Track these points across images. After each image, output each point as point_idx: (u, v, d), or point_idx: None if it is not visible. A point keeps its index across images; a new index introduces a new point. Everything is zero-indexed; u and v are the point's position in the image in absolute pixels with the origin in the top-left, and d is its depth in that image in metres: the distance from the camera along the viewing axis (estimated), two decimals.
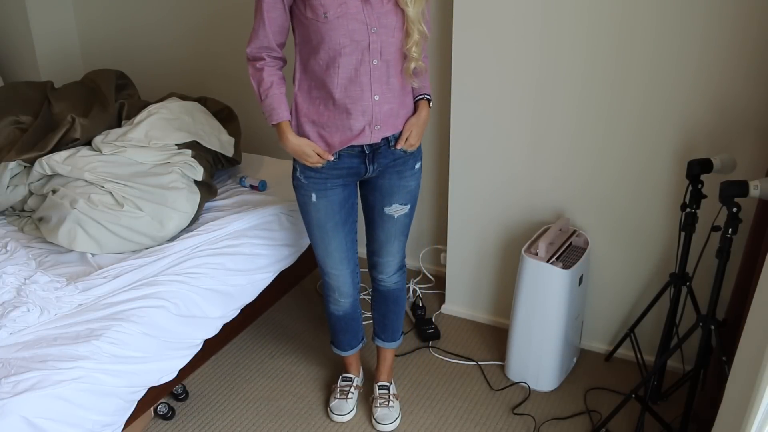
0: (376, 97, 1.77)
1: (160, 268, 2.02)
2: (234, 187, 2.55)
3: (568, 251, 2.28)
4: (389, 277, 2.13)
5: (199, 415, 2.24)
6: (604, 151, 2.25)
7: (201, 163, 2.32)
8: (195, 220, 2.22)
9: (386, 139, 1.85)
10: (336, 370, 2.43)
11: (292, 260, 2.38)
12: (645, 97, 2.12)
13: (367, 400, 2.30)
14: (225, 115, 2.70)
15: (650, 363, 2.39)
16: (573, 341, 2.37)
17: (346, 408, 2.22)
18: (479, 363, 2.49)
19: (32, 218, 2.25)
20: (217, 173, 2.61)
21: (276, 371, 2.46)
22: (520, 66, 2.27)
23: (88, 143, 2.36)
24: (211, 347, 2.16)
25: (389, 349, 2.28)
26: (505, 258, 2.58)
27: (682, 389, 2.22)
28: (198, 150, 2.38)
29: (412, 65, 1.78)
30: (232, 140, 2.56)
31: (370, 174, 1.91)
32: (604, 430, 2.10)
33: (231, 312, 2.14)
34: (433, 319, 2.71)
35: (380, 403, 2.22)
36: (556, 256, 2.22)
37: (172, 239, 2.15)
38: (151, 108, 2.45)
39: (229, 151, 2.53)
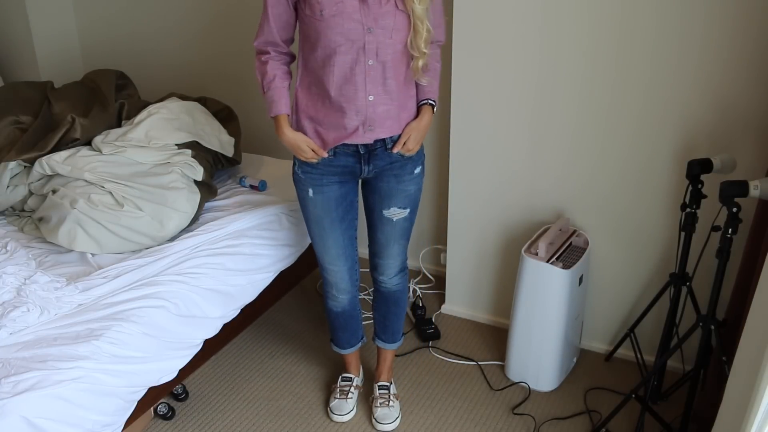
0: (371, 98, 1.77)
1: (160, 268, 2.02)
2: (234, 187, 2.55)
3: (568, 251, 2.28)
4: (390, 279, 2.13)
5: (199, 415, 2.24)
6: (604, 151, 2.25)
7: (201, 163, 2.32)
8: (195, 220, 2.22)
9: (383, 141, 1.85)
10: (336, 370, 2.43)
11: (292, 260, 2.38)
12: (645, 97, 2.12)
13: (367, 400, 2.30)
14: (225, 115, 2.70)
15: (650, 363, 2.39)
16: (573, 341, 2.37)
17: (345, 408, 2.22)
18: (479, 363, 2.49)
19: (32, 218, 2.25)
20: (217, 173, 2.61)
21: (276, 371, 2.46)
22: (520, 66, 2.27)
23: (88, 143, 2.36)
24: (211, 347, 2.16)
25: (389, 350, 2.28)
26: (505, 258, 2.58)
27: (682, 389, 2.22)
28: (198, 150, 2.38)
29: (421, 62, 1.78)
30: (232, 140, 2.56)
31: (366, 174, 1.91)
32: (604, 430, 2.10)
33: (231, 312, 2.14)
34: (433, 319, 2.71)
35: (380, 403, 2.22)
36: (556, 256, 2.22)
37: (172, 239, 2.15)
38: (151, 108, 2.45)
39: (229, 151, 2.53)
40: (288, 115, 1.84)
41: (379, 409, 2.21)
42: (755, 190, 1.68)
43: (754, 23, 1.90)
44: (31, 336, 1.73)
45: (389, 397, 2.23)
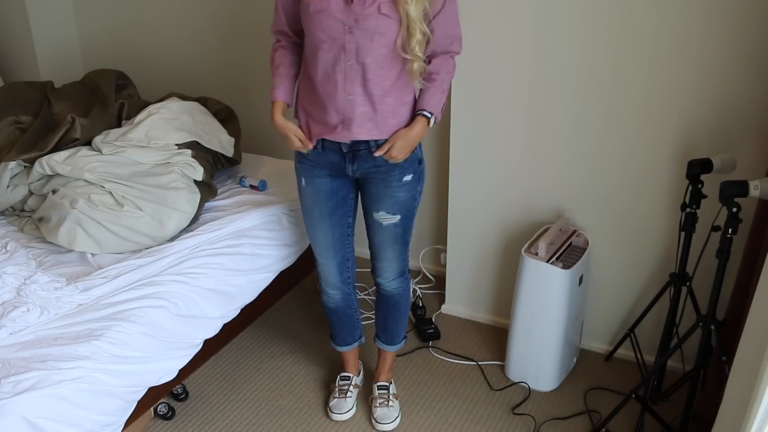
0: (350, 97, 1.78)
1: (160, 268, 2.02)
2: (234, 187, 2.55)
3: (568, 251, 2.28)
4: (388, 282, 2.12)
5: (199, 415, 2.24)
6: (604, 151, 2.25)
7: (201, 163, 2.32)
8: (195, 220, 2.22)
9: (367, 143, 1.85)
10: (336, 369, 2.43)
11: (292, 260, 2.38)
12: (645, 97, 2.12)
13: (366, 401, 2.30)
14: (225, 115, 2.70)
15: (650, 363, 2.39)
16: (573, 341, 2.37)
17: (344, 407, 2.22)
18: (479, 363, 2.49)
19: (32, 218, 2.25)
20: (217, 173, 2.61)
21: (276, 371, 2.46)
22: (520, 66, 2.27)
23: (88, 143, 2.36)
24: (211, 347, 2.16)
25: (388, 351, 2.28)
26: (505, 258, 2.58)
27: (682, 389, 2.22)
28: (198, 150, 2.38)
29: (416, 65, 1.76)
30: (232, 140, 2.56)
31: (352, 173, 1.91)
32: (604, 430, 2.10)
33: (231, 312, 2.14)
34: (433, 319, 2.71)
35: (380, 403, 2.22)
36: (556, 256, 2.22)
37: (172, 239, 2.15)
38: (151, 108, 2.45)
39: (229, 151, 2.53)
40: (284, 103, 1.91)
41: (378, 409, 2.21)
42: (755, 190, 1.68)
43: (754, 23, 1.90)
44: (31, 336, 1.73)
45: (389, 397, 2.23)
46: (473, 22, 2.27)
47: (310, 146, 1.87)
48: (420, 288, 2.95)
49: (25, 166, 2.28)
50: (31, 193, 2.29)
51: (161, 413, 2.20)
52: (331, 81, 1.77)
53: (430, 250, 3.04)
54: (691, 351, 2.15)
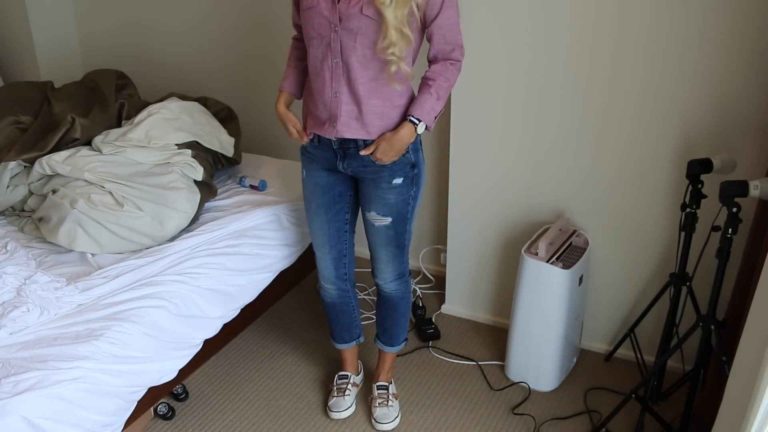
0: (336, 95, 1.81)
1: (160, 268, 2.02)
2: (234, 187, 2.55)
3: (568, 251, 2.28)
4: (386, 284, 2.12)
5: (199, 415, 2.24)
6: (604, 151, 2.25)
7: (201, 163, 2.32)
8: (195, 220, 2.22)
9: (355, 142, 1.86)
10: (335, 369, 2.43)
11: (292, 260, 2.38)
12: (645, 97, 2.12)
13: (366, 401, 2.30)
14: (225, 115, 2.70)
15: (650, 363, 2.39)
16: (573, 341, 2.37)
17: (343, 405, 2.22)
18: (479, 363, 2.49)
19: (32, 218, 2.25)
20: (217, 173, 2.61)
21: (276, 371, 2.46)
22: (520, 66, 2.27)
23: (88, 143, 2.36)
24: (211, 347, 2.15)
25: (387, 352, 2.28)
26: (505, 258, 2.58)
27: (682, 389, 2.22)
28: (198, 150, 2.38)
29: (393, 68, 1.74)
30: (232, 140, 2.56)
31: (343, 170, 1.94)
32: (604, 430, 2.10)
33: (231, 312, 2.14)
34: (433, 319, 2.71)
35: (379, 403, 2.22)
36: (556, 256, 2.22)
37: (172, 239, 2.15)
38: (151, 108, 2.45)
39: (229, 151, 2.53)
40: (290, 94, 1.98)
41: (378, 408, 2.21)
42: (755, 190, 1.68)
43: (754, 23, 1.90)
44: (31, 336, 1.73)
45: (388, 396, 2.23)
46: (472, 23, 2.27)
47: (306, 139, 1.93)
48: (420, 288, 2.95)
49: (25, 166, 2.28)
50: (31, 193, 2.29)
51: (161, 413, 2.20)
52: (320, 77, 1.82)
53: (430, 250, 3.04)
54: (691, 351, 2.15)
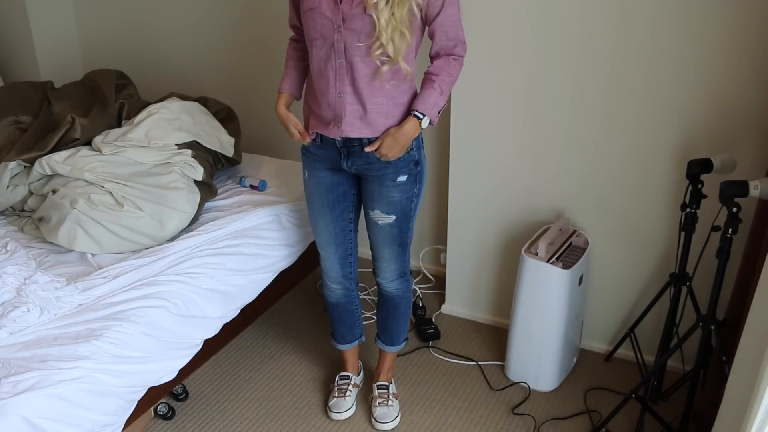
0: (341, 95, 1.81)
1: (160, 268, 2.02)
2: (234, 187, 2.55)
3: (568, 251, 2.28)
4: (387, 283, 2.13)
5: (199, 415, 2.24)
6: (604, 151, 2.25)
7: (201, 163, 2.32)
8: (195, 220, 2.22)
9: (359, 140, 1.86)
10: (336, 369, 2.43)
11: (292, 260, 2.38)
12: (645, 97, 2.12)
13: (366, 401, 2.30)
14: (225, 115, 2.70)
15: (650, 363, 2.39)
16: (573, 341, 2.37)
17: (344, 406, 2.22)
18: (479, 363, 2.49)
19: (32, 218, 2.25)
20: (217, 173, 2.61)
21: (276, 371, 2.46)
22: (520, 66, 2.27)
23: (88, 143, 2.36)
24: (211, 347, 2.15)
25: (388, 352, 2.28)
26: (505, 258, 2.58)
27: (682, 389, 2.22)
28: (198, 150, 2.38)
29: (385, 68, 1.75)
30: (232, 140, 2.56)
31: (347, 169, 1.94)
32: (604, 430, 2.10)
33: (231, 312, 2.14)
34: (433, 319, 2.71)
35: (379, 402, 2.22)
36: (556, 256, 2.22)
37: (172, 239, 2.15)
38: (151, 108, 2.45)
39: (229, 151, 2.53)
40: (290, 95, 1.98)
41: (378, 408, 2.21)
42: (755, 190, 1.68)
43: (754, 23, 1.90)
44: (31, 336, 1.73)
45: (388, 396, 2.24)
46: (472, 23, 2.27)
47: (308, 139, 1.92)
48: (420, 288, 2.95)
49: (25, 166, 2.28)
50: (31, 193, 2.29)
51: (161, 413, 2.20)
52: (323, 78, 1.82)
53: (430, 250, 3.04)
54: (691, 351, 2.15)
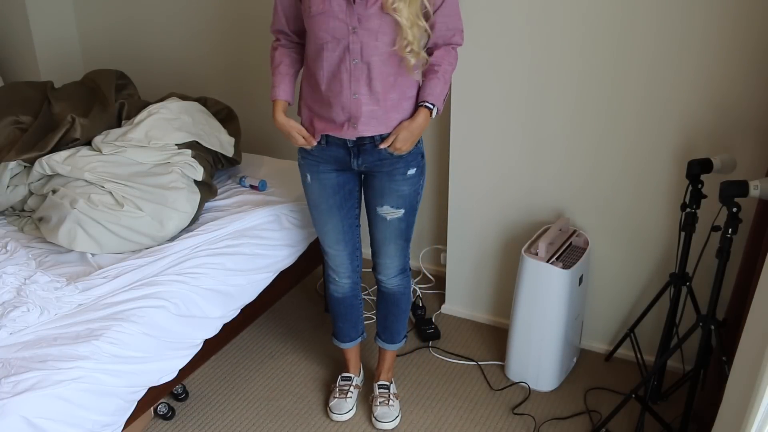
0: (355, 96, 1.80)
1: (160, 268, 2.02)
2: (234, 187, 2.55)
3: (568, 251, 2.28)
4: (389, 279, 2.13)
5: (199, 415, 2.24)
6: (604, 151, 2.25)
7: (201, 163, 2.32)
8: (195, 220, 2.22)
9: (371, 138, 1.87)
10: (336, 369, 2.43)
11: (292, 260, 2.38)
12: (645, 97, 2.12)
13: (366, 400, 2.30)
14: (225, 115, 2.70)
15: (650, 363, 2.39)
16: (573, 341, 2.37)
17: (345, 407, 2.22)
18: (479, 363, 2.49)
19: (32, 218, 2.25)
20: (217, 173, 2.61)
21: (276, 371, 2.46)
22: (520, 65, 2.27)
23: (88, 143, 2.36)
24: (211, 347, 2.15)
25: (389, 350, 2.28)
26: (505, 258, 2.58)
27: (682, 389, 2.22)
28: (198, 150, 2.38)
29: (412, 61, 1.78)
30: (232, 140, 2.56)
31: (357, 167, 1.93)
32: (604, 430, 2.10)
33: (231, 312, 2.14)
34: (433, 319, 2.71)
35: (380, 402, 2.22)
36: (556, 256, 2.22)
37: (172, 239, 2.15)
38: (151, 108, 2.45)
39: (229, 151, 2.53)
40: (286, 102, 1.92)
41: (378, 408, 2.21)
42: (755, 190, 1.68)
43: (755, 23, 1.90)
44: (31, 336, 1.73)
45: (389, 396, 2.24)
46: (473, 22, 2.27)
47: (314, 143, 1.89)
48: (420, 288, 2.95)
49: (25, 166, 2.28)
50: (31, 193, 2.29)
51: (161, 413, 2.20)
52: (336, 80, 1.79)
53: (430, 250, 3.04)
54: (691, 351, 2.15)
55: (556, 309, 2.20)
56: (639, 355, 2.34)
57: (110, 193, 2.12)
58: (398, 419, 2.21)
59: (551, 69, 2.23)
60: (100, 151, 2.27)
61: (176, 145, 2.34)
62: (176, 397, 2.29)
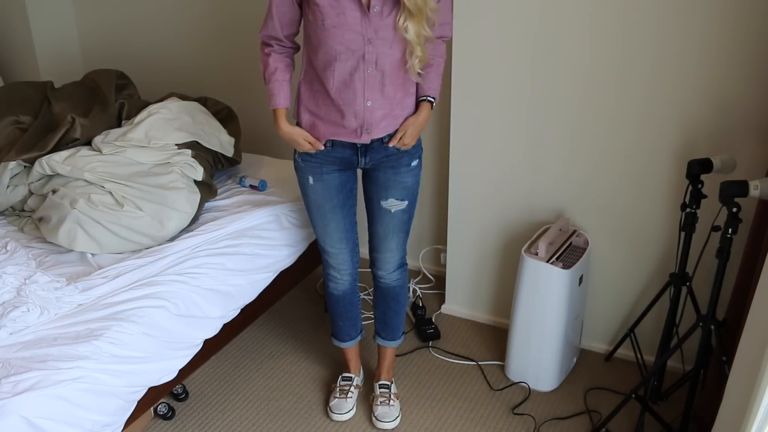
0: (369, 103, 1.82)
1: (160, 268, 2.02)
2: (234, 187, 2.55)
3: (568, 251, 2.28)
4: (389, 274, 2.13)
5: (199, 415, 2.24)
6: (605, 151, 2.25)
7: (201, 163, 2.32)
8: (195, 220, 2.22)
9: (381, 137, 1.90)
10: (336, 369, 2.43)
11: (292, 260, 2.38)
12: (645, 97, 2.12)
13: (367, 400, 2.30)
14: (225, 115, 2.70)
15: (650, 363, 2.39)
16: (573, 341, 2.37)
17: (345, 407, 2.22)
18: (479, 363, 2.49)
19: (32, 218, 2.25)
20: (217, 173, 2.61)
21: (276, 371, 2.46)
22: (521, 66, 2.27)
23: (88, 143, 2.36)
24: (211, 347, 2.15)
25: (390, 347, 2.29)
26: (505, 258, 2.58)
27: (682, 389, 2.22)
28: (198, 150, 2.38)
29: (419, 68, 1.81)
30: (232, 140, 2.56)
31: (363, 165, 1.96)
32: (604, 430, 2.10)
33: (231, 312, 2.14)
34: (433, 319, 2.71)
35: (381, 402, 2.22)
36: (556, 256, 2.22)
37: (172, 239, 2.15)
38: (151, 108, 2.45)
39: (229, 151, 2.53)
40: (287, 109, 1.90)
41: (379, 407, 2.21)
42: (755, 190, 1.68)
43: (755, 23, 1.90)
44: (31, 336, 1.73)
45: (390, 396, 2.24)
46: (475, 21, 2.27)
47: (321, 147, 1.90)
48: (420, 288, 2.95)
49: (25, 166, 2.28)
50: (31, 193, 2.29)
51: (161, 413, 2.20)
52: (349, 89, 1.80)
53: (430, 250, 3.04)
54: (691, 351, 2.15)
55: (556, 309, 2.20)
56: (639, 355, 2.34)
57: (110, 193, 2.12)
58: (399, 419, 2.21)
59: (552, 69, 2.22)
60: (100, 151, 2.28)
61: (176, 145, 2.34)
62: (176, 397, 2.29)
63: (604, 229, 2.35)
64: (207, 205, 2.37)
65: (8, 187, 2.26)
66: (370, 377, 2.38)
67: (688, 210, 1.97)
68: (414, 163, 1.97)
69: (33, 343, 1.69)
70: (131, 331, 1.78)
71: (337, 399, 2.25)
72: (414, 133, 1.90)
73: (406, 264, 2.18)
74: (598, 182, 2.30)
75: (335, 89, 1.80)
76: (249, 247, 2.20)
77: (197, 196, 2.22)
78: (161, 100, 2.63)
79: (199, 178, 2.29)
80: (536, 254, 2.21)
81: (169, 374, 1.92)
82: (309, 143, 1.88)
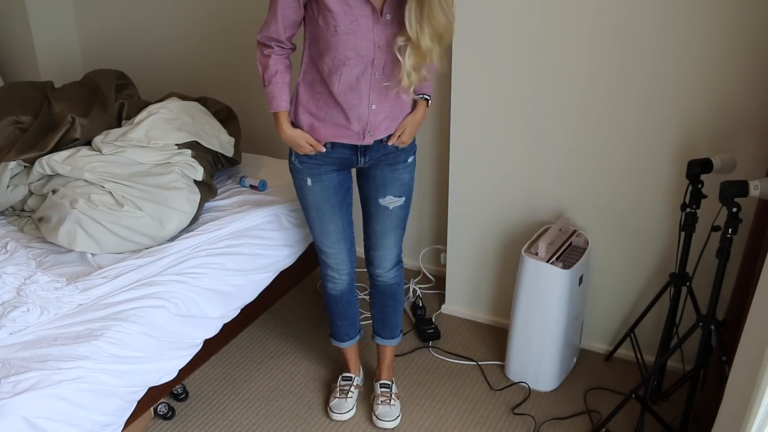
0: (373, 107, 1.83)
1: (160, 268, 2.02)
2: (234, 187, 2.55)
3: (568, 251, 2.28)
4: (386, 272, 2.14)
5: (199, 415, 2.25)
6: (605, 151, 2.25)
7: (201, 163, 2.32)
8: (195, 220, 2.22)
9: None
10: (336, 369, 2.43)
11: (292, 260, 2.39)
12: (646, 97, 2.12)
13: (367, 400, 2.30)
14: (225, 115, 2.70)
15: (650, 363, 2.39)
16: (573, 341, 2.37)
17: (345, 407, 2.22)
18: (479, 363, 2.49)
19: (32, 218, 2.25)
20: (217, 173, 2.61)
21: (276, 371, 2.46)
22: (521, 65, 2.27)
23: (88, 143, 2.36)
24: (211, 347, 2.16)
25: (389, 346, 2.29)
26: (505, 258, 2.58)
27: (682, 389, 2.22)
28: (198, 150, 2.38)
29: (422, 73, 1.80)
30: (232, 140, 2.56)
31: (361, 165, 1.97)
32: (604, 430, 2.10)
33: (231, 312, 2.14)
34: (433, 319, 2.71)
35: (381, 401, 2.22)
36: (556, 256, 2.22)
37: (172, 239, 2.15)
38: (151, 108, 2.45)
39: (229, 151, 2.53)
40: (287, 111, 1.89)
41: (380, 406, 2.21)
42: (755, 190, 1.68)
43: (755, 23, 1.90)
44: (31, 336, 1.73)
45: (390, 395, 2.24)
46: (475, 21, 2.27)
47: (323, 149, 1.90)
48: (420, 288, 2.95)
49: (25, 166, 2.28)
50: (31, 193, 2.29)
51: (161, 413, 2.20)
52: (355, 93, 1.81)
53: (430, 250, 3.04)
54: (691, 351, 2.15)
55: (556, 309, 2.20)
56: (639, 355, 2.34)
57: (110, 193, 2.12)
58: (399, 419, 2.21)
59: (552, 69, 2.22)
60: (100, 151, 2.28)
61: (176, 145, 2.34)
62: (176, 397, 2.29)
63: (604, 229, 2.35)
64: (207, 205, 2.37)
65: (8, 187, 2.26)
66: (370, 377, 2.39)
67: (688, 210, 1.97)
68: (410, 159, 2.00)
69: (33, 343, 1.70)
70: (131, 331, 1.78)
71: (337, 399, 2.25)
72: (412, 131, 1.92)
73: (402, 261, 2.19)
74: (598, 182, 2.30)
75: (340, 92, 1.80)
76: (249, 247, 2.20)
77: (197, 196, 2.22)
78: (161, 100, 2.63)
79: (199, 178, 2.29)
80: (536, 254, 2.21)
81: (169, 374, 1.92)
82: (311, 145, 1.89)
